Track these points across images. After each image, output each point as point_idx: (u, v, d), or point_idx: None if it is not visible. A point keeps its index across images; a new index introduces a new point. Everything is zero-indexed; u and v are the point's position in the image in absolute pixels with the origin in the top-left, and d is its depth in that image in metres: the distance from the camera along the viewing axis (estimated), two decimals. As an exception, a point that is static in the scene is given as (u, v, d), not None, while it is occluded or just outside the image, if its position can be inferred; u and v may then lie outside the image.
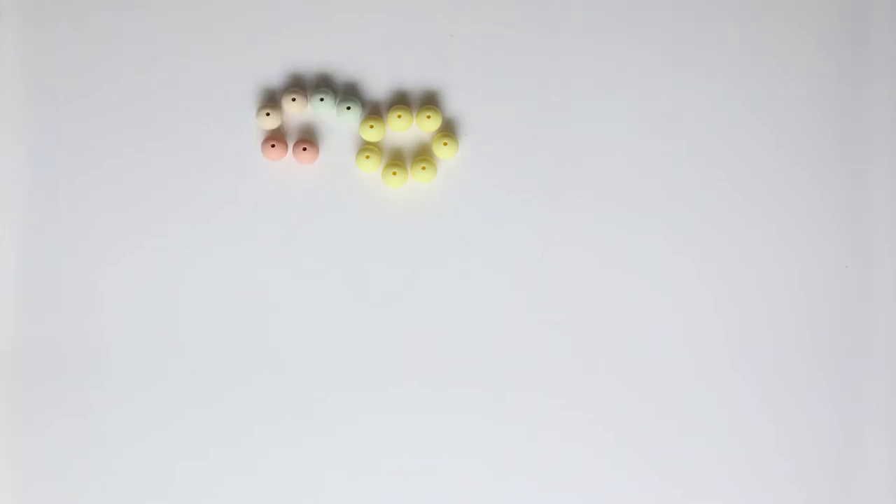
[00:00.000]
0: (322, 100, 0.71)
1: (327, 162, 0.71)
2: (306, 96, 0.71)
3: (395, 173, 0.70)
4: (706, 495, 0.69)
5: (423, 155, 0.71)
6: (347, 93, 0.72)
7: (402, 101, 0.72)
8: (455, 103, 0.72)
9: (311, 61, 0.72)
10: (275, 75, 0.72)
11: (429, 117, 0.71)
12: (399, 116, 0.71)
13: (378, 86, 0.72)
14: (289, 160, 0.71)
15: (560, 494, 0.69)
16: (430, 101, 0.72)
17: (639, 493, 0.69)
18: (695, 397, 0.70)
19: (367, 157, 0.70)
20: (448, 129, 0.72)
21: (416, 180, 0.71)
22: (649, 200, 0.71)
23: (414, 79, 0.72)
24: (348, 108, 0.71)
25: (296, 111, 0.71)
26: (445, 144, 0.71)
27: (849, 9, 0.73)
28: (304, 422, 0.69)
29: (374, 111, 0.72)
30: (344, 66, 0.72)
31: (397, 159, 0.71)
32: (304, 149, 0.70)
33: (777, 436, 0.70)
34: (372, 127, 0.71)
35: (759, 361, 0.70)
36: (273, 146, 0.70)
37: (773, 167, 0.72)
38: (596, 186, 0.71)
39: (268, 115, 0.71)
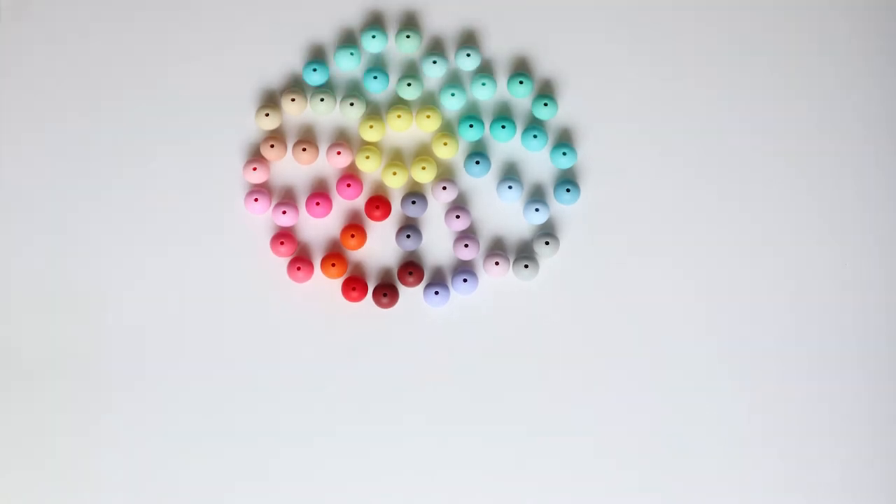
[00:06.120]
0: (322, 100, 0.71)
1: (326, 162, 0.71)
2: (306, 96, 0.71)
3: (395, 173, 0.70)
4: (707, 498, 0.70)
5: (423, 155, 0.71)
6: (350, 90, 0.72)
7: (402, 101, 0.72)
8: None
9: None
10: (275, 75, 0.72)
11: (429, 117, 0.71)
12: (399, 116, 0.71)
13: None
14: (288, 160, 0.71)
15: (560, 495, 0.69)
16: (430, 101, 0.72)
17: (640, 496, 0.69)
18: (693, 398, 0.70)
19: (367, 157, 0.70)
20: (448, 129, 0.71)
21: (416, 180, 0.70)
22: (648, 200, 0.71)
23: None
24: (351, 104, 0.70)
25: (296, 111, 0.71)
26: (445, 144, 0.71)
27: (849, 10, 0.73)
28: (306, 424, 0.69)
29: (374, 111, 0.72)
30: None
31: (397, 159, 0.71)
32: (304, 149, 0.70)
33: (777, 436, 0.70)
34: (372, 127, 0.70)
35: (758, 361, 0.70)
36: (273, 146, 0.70)
37: (771, 166, 0.72)
38: (596, 187, 0.71)
39: (267, 115, 0.71)
